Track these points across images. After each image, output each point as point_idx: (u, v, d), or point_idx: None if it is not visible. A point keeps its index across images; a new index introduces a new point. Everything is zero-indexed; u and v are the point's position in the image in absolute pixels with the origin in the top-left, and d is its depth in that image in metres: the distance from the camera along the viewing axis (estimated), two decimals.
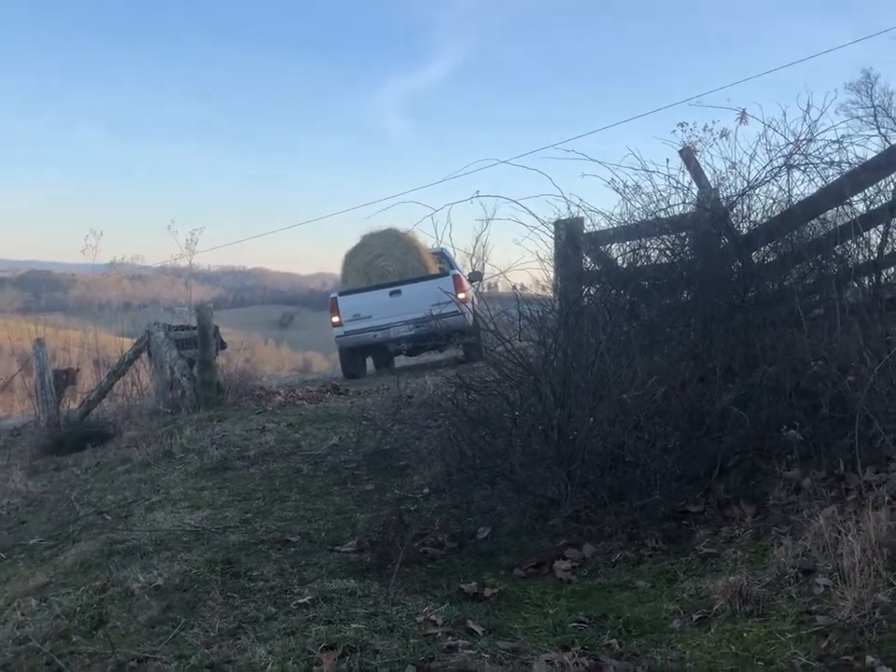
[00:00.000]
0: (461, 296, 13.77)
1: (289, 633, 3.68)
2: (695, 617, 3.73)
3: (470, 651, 3.39)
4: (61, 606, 4.53)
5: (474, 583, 4.34)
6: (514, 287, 7.82)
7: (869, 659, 3.04)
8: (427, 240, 16.60)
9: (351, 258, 16.62)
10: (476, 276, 17.16)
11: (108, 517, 6.57)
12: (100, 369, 13.83)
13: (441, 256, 16.87)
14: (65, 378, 13.10)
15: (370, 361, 17.32)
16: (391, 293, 15.05)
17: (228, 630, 3.84)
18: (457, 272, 15.95)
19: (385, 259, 16.28)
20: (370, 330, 15.04)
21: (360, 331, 15.09)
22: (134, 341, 12.82)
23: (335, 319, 15.27)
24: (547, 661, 3.27)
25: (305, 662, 3.35)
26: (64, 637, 4.13)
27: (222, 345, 12.48)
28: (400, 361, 18.00)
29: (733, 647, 3.41)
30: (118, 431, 10.65)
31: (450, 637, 3.54)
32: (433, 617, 3.76)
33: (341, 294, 15.58)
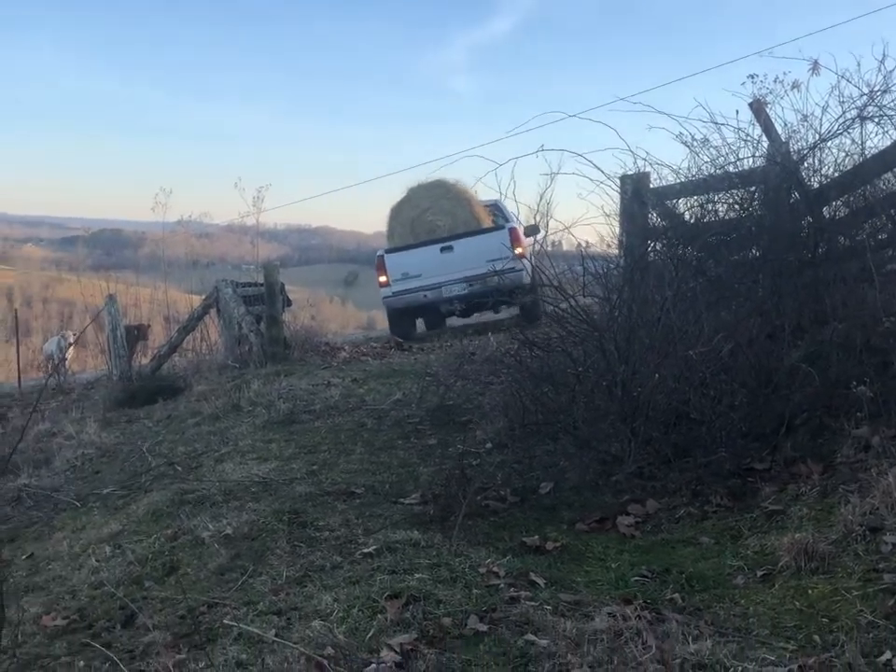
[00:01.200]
0: (518, 251, 12.40)
1: (354, 581, 3.74)
2: (759, 573, 3.71)
3: (532, 603, 3.41)
4: (134, 553, 4.67)
5: (536, 537, 4.37)
6: (579, 244, 7.75)
7: None
8: (483, 192, 15.40)
9: (397, 212, 15.32)
10: (533, 230, 14.89)
11: (179, 468, 6.73)
12: (170, 324, 14.13)
13: (495, 208, 15.41)
14: (137, 333, 13.39)
15: (420, 322, 16.27)
16: (442, 249, 13.92)
17: (294, 578, 3.93)
18: (513, 224, 14.27)
19: (434, 213, 14.97)
20: (420, 290, 13.93)
21: (409, 291, 13.98)
22: (203, 297, 12.99)
23: (382, 279, 14.20)
24: (609, 613, 3.29)
25: (370, 609, 3.41)
26: (137, 583, 4.27)
27: (288, 303, 12.57)
28: (452, 322, 16.72)
29: (797, 603, 3.38)
30: (188, 385, 10.85)
31: (512, 589, 3.57)
32: (495, 569, 3.79)
33: (387, 252, 14.49)
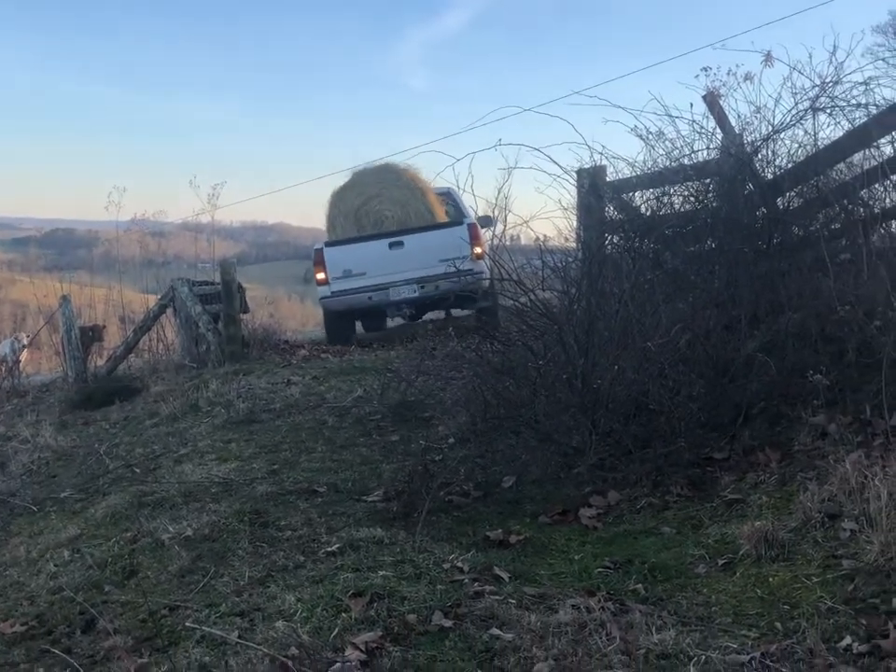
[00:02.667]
0: (477, 250, 11.26)
1: (318, 580, 3.72)
2: (721, 562, 3.74)
3: (497, 597, 3.42)
4: (93, 557, 4.61)
5: (500, 531, 4.38)
6: (537, 238, 7.77)
7: (895, 602, 3.05)
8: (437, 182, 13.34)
9: (339, 199, 13.22)
10: (486, 221, 12.52)
11: (137, 470, 6.66)
12: (125, 325, 13.94)
13: (448, 197, 13.67)
14: (91, 334, 13.22)
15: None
16: (391, 245, 12.09)
17: (257, 578, 3.90)
18: (472, 220, 12.58)
19: (382, 202, 13.01)
20: (364, 291, 12.08)
21: (352, 291, 12.13)
22: (158, 297, 12.86)
23: (320, 276, 12.33)
24: (573, 606, 3.30)
25: (334, 608, 3.39)
26: (97, 587, 4.21)
27: (245, 308, 12.38)
28: (394, 321, 15.04)
29: (758, 591, 3.42)
30: (145, 386, 10.74)
31: (476, 584, 3.57)
32: (459, 564, 3.79)
33: (327, 245, 12.53)
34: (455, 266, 9.33)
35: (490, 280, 9.47)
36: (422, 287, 11.80)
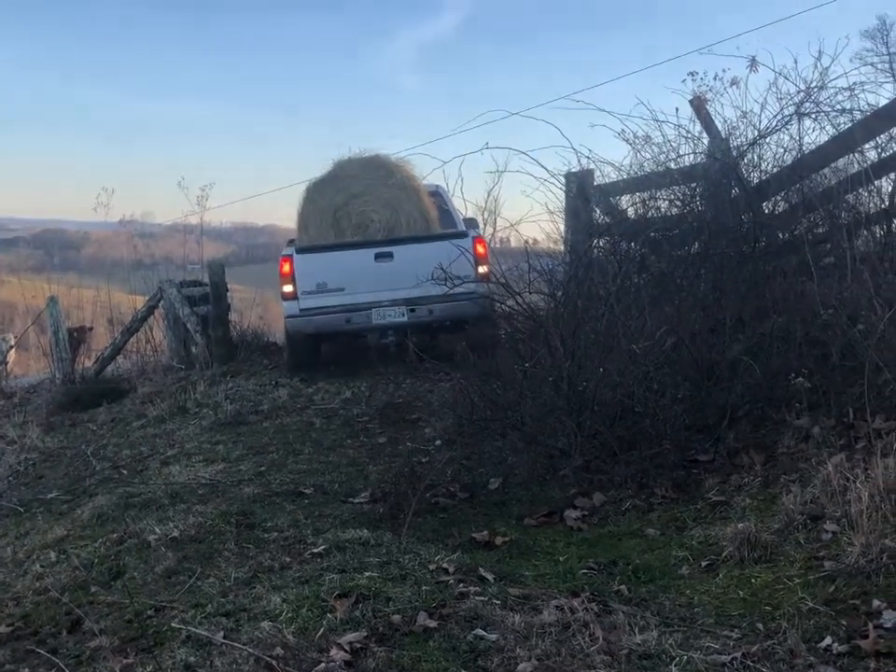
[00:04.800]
0: (482, 269, 9.06)
1: (304, 581, 3.73)
2: (704, 563, 3.77)
3: (481, 598, 3.43)
4: (79, 558, 4.61)
5: (485, 532, 4.40)
6: (526, 242, 7.80)
7: (875, 603, 3.08)
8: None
9: (316, 193, 10.48)
10: (472, 224, 11.47)
11: (124, 471, 6.66)
12: (114, 327, 13.89)
13: (440, 199, 11.10)
14: (77, 336, 13.18)
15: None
16: (378, 256, 9.53)
17: (243, 579, 3.90)
18: (478, 232, 10.84)
19: (368, 202, 10.38)
20: (340, 311, 9.47)
21: (325, 311, 9.50)
22: (147, 298, 12.83)
23: (287, 288, 9.64)
24: (557, 606, 3.32)
25: (319, 609, 3.40)
26: (83, 588, 4.21)
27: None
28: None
29: (741, 592, 3.45)
30: (132, 387, 10.73)
31: (461, 584, 3.58)
32: (445, 565, 3.81)
33: (299, 251, 9.84)
34: (453, 284, 7.71)
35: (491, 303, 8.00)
36: (412, 311, 9.37)
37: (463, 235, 9.55)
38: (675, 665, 2.84)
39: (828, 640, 2.92)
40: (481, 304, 8.47)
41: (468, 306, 8.75)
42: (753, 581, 3.52)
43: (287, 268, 9.63)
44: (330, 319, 9.50)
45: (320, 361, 10.11)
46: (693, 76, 7.42)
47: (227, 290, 11.72)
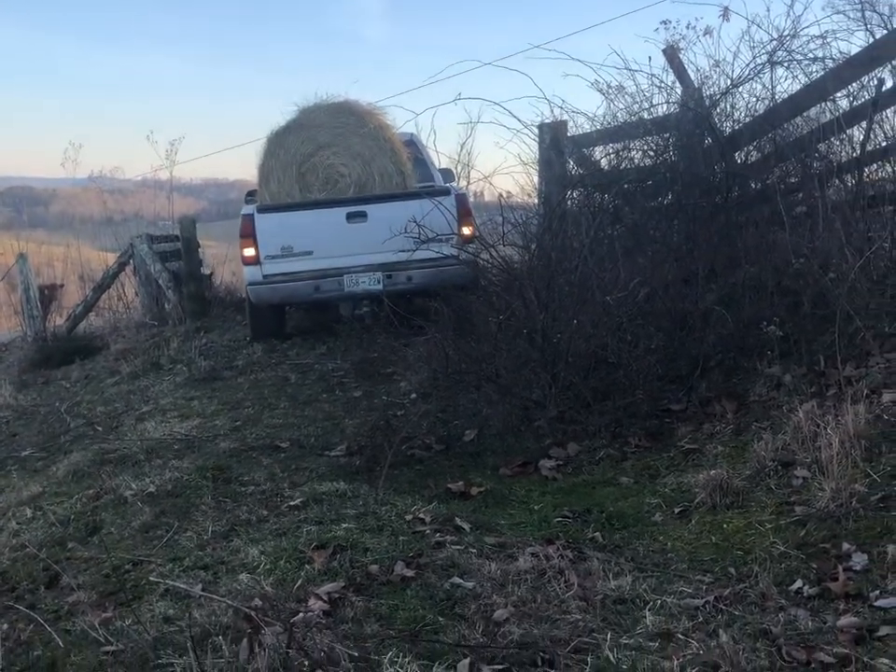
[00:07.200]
0: (466, 231, 8.31)
1: (281, 534, 3.75)
2: (677, 510, 3.82)
3: (458, 547, 3.47)
4: (55, 514, 4.60)
5: (461, 483, 4.43)
6: (500, 195, 7.76)
7: (845, 546, 3.14)
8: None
9: (277, 144, 9.39)
10: (448, 176, 10.71)
11: (99, 428, 6.64)
12: (85, 284, 13.77)
13: (414, 148, 10.06)
14: (48, 294, 13.06)
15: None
16: (349, 216, 8.59)
17: (220, 533, 3.92)
18: (461, 189, 9.81)
19: (337, 154, 9.37)
20: (308, 277, 8.56)
21: (291, 277, 8.60)
22: (118, 255, 12.72)
23: (248, 252, 8.68)
24: (532, 554, 3.36)
25: (297, 560, 3.42)
26: (60, 544, 4.21)
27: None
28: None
29: (713, 537, 3.50)
30: (105, 344, 10.68)
31: (438, 534, 3.62)
32: (421, 515, 3.84)
33: (261, 210, 8.83)
34: (429, 249, 7.42)
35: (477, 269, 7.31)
36: (388, 277, 8.52)
37: (445, 192, 8.59)
38: (649, 610, 2.89)
39: (799, 583, 2.98)
40: (466, 270, 7.51)
41: (451, 272, 7.84)
42: (725, 526, 3.57)
43: (247, 229, 8.70)
44: (297, 287, 8.64)
45: (285, 328, 9.51)
46: (665, 24, 7.40)
47: (198, 246, 11.62)
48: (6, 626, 3.36)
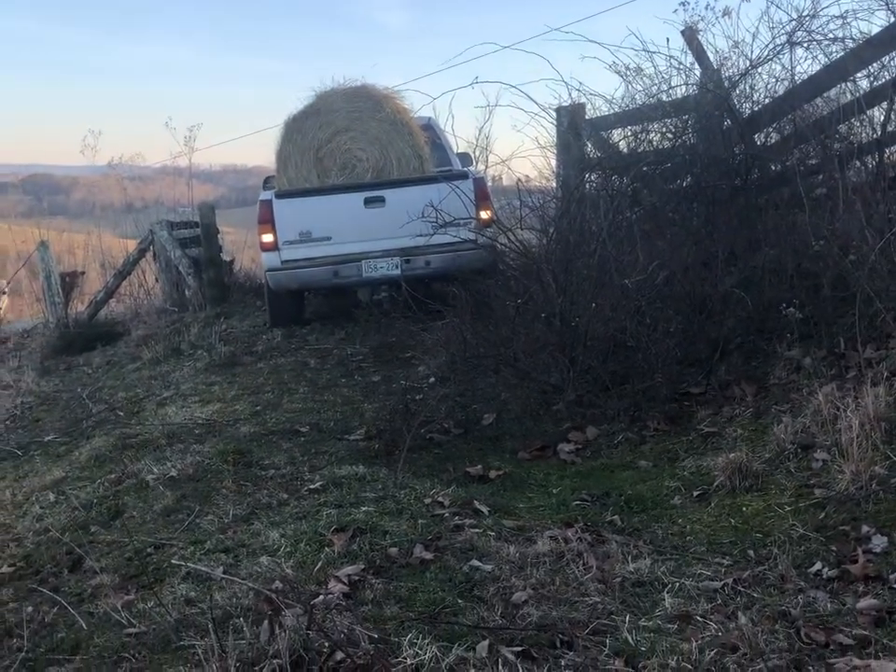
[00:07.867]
0: (484, 215, 8.12)
1: (301, 517, 3.78)
2: (696, 493, 3.82)
3: (476, 530, 3.49)
4: (78, 498, 4.65)
5: (480, 466, 4.45)
6: (518, 180, 7.73)
7: (864, 528, 3.14)
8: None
9: (295, 130, 9.32)
10: (466, 160, 10.68)
11: (120, 413, 6.69)
12: (106, 271, 13.84)
13: (432, 133, 10.01)
14: (69, 280, 13.14)
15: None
16: (367, 201, 8.52)
17: (241, 516, 3.95)
18: (479, 173, 9.61)
19: (355, 139, 9.30)
20: (327, 262, 8.50)
21: (310, 263, 8.54)
22: (138, 241, 12.77)
23: (267, 238, 8.65)
24: (551, 537, 3.37)
25: (317, 543, 3.45)
26: (83, 528, 4.25)
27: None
28: None
29: (732, 520, 3.50)
30: (126, 331, 10.74)
31: (457, 517, 3.64)
32: (440, 498, 3.86)
33: (279, 195, 8.82)
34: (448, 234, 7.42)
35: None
36: (406, 262, 8.42)
37: (463, 176, 8.50)
38: (667, 592, 2.89)
39: (818, 566, 2.98)
40: (484, 254, 7.59)
41: (469, 256, 7.88)
42: (744, 509, 3.57)
43: (265, 215, 8.68)
44: (316, 272, 8.59)
45: (304, 314, 9.46)
46: (684, 5, 7.33)
47: (218, 232, 11.65)
48: (30, 609, 3.41)
